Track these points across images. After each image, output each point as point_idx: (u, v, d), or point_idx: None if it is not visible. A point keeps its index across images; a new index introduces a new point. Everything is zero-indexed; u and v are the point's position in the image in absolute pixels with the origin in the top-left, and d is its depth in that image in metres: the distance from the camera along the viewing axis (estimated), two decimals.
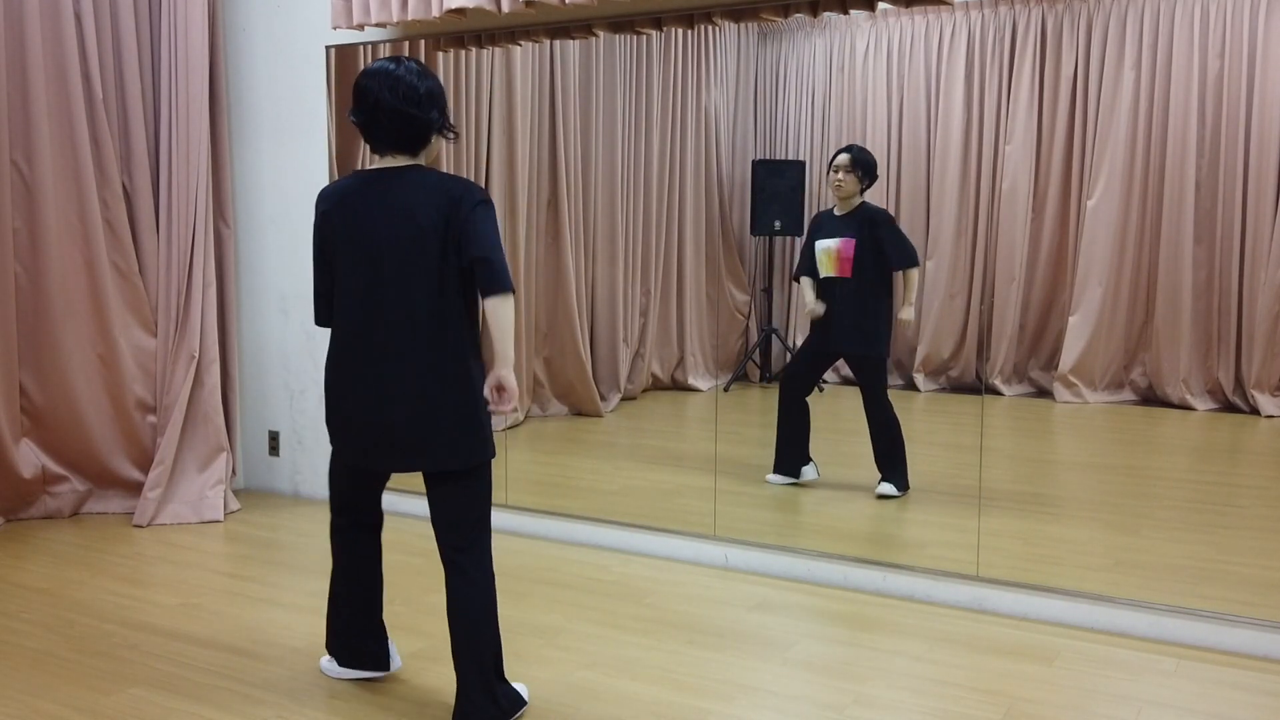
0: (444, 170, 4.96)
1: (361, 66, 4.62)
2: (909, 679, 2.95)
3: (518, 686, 2.71)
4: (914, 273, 4.34)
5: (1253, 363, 4.24)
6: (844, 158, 4.34)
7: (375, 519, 2.84)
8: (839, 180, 4.33)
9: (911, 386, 4.82)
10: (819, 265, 4.38)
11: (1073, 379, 4.55)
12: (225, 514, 4.57)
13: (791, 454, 4.54)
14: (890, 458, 4.32)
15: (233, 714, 2.72)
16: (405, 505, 4.52)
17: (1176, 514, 4.16)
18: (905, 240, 4.39)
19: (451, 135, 2.62)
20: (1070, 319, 4.53)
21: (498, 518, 4.36)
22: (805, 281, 4.46)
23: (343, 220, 2.53)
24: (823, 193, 4.81)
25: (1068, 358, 4.54)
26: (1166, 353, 4.41)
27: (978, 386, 4.56)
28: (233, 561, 4.00)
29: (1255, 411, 4.26)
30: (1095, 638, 3.25)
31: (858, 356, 4.41)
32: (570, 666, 3.01)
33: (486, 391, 2.48)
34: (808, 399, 4.52)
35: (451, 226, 2.44)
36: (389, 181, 2.50)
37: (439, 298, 2.48)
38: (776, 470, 4.55)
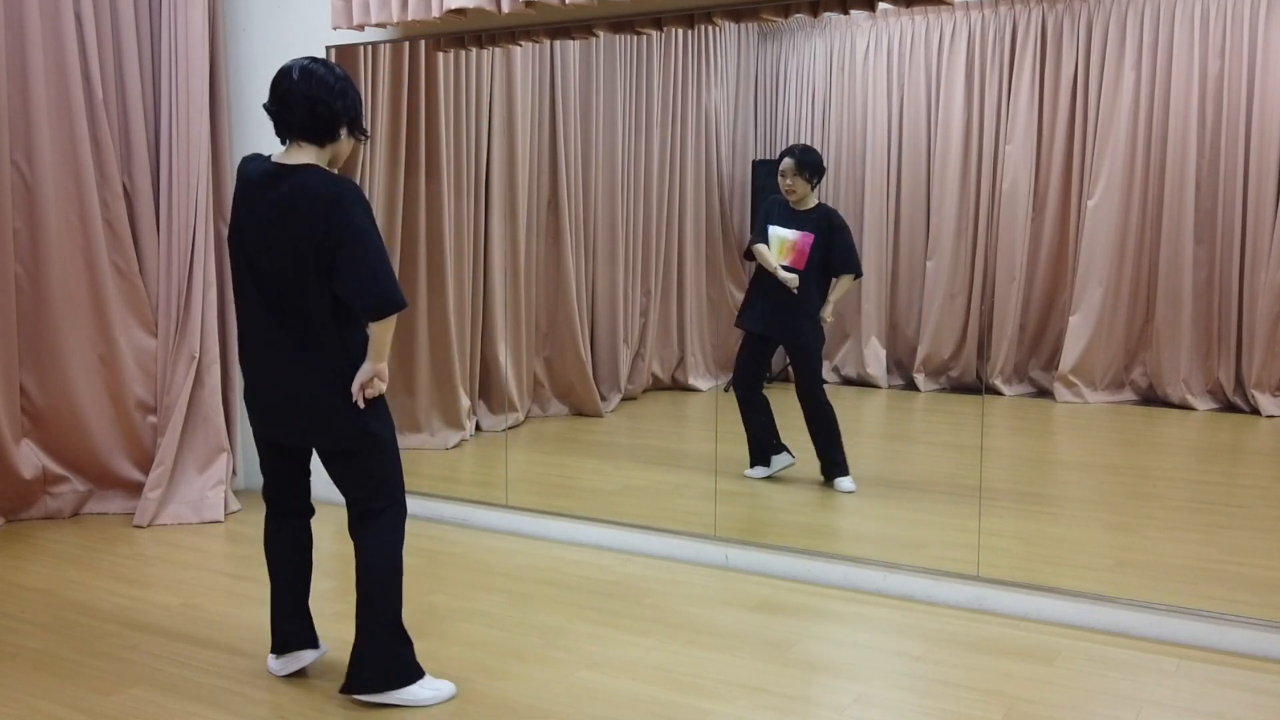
0: (445, 174, 4.96)
1: (362, 66, 4.63)
2: (909, 679, 2.94)
3: (440, 683, 2.82)
4: (848, 279, 4.48)
5: (1253, 363, 4.24)
6: (788, 163, 4.43)
7: (301, 505, 2.95)
8: (789, 185, 4.42)
9: (912, 386, 4.83)
10: (773, 252, 4.45)
11: (1073, 379, 4.55)
12: (226, 514, 4.57)
13: (761, 445, 4.60)
14: (830, 446, 4.42)
15: (233, 714, 2.72)
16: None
17: (1177, 514, 4.16)
18: (854, 248, 4.54)
19: (362, 135, 2.74)
20: (1071, 319, 4.53)
21: (498, 518, 4.36)
22: (762, 248, 4.49)
23: (241, 213, 2.66)
24: (822, 193, 4.82)
25: (1068, 357, 4.55)
26: (1167, 353, 4.41)
27: (978, 386, 4.56)
28: (233, 562, 4.00)
29: (1256, 411, 4.26)
30: (1095, 638, 3.25)
31: (798, 345, 4.53)
32: (570, 666, 3.01)
33: (357, 385, 2.64)
34: (763, 393, 4.62)
35: (323, 248, 2.56)
36: (283, 183, 2.59)
37: (317, 306, 2.61)
38: (753, 464, 4.61)
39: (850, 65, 4.78)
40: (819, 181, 4.42)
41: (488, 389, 5.47)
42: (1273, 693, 2.87)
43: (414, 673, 2.80)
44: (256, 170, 2.65)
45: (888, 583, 3.63)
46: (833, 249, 4.41)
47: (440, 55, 4.76)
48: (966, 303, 4.68)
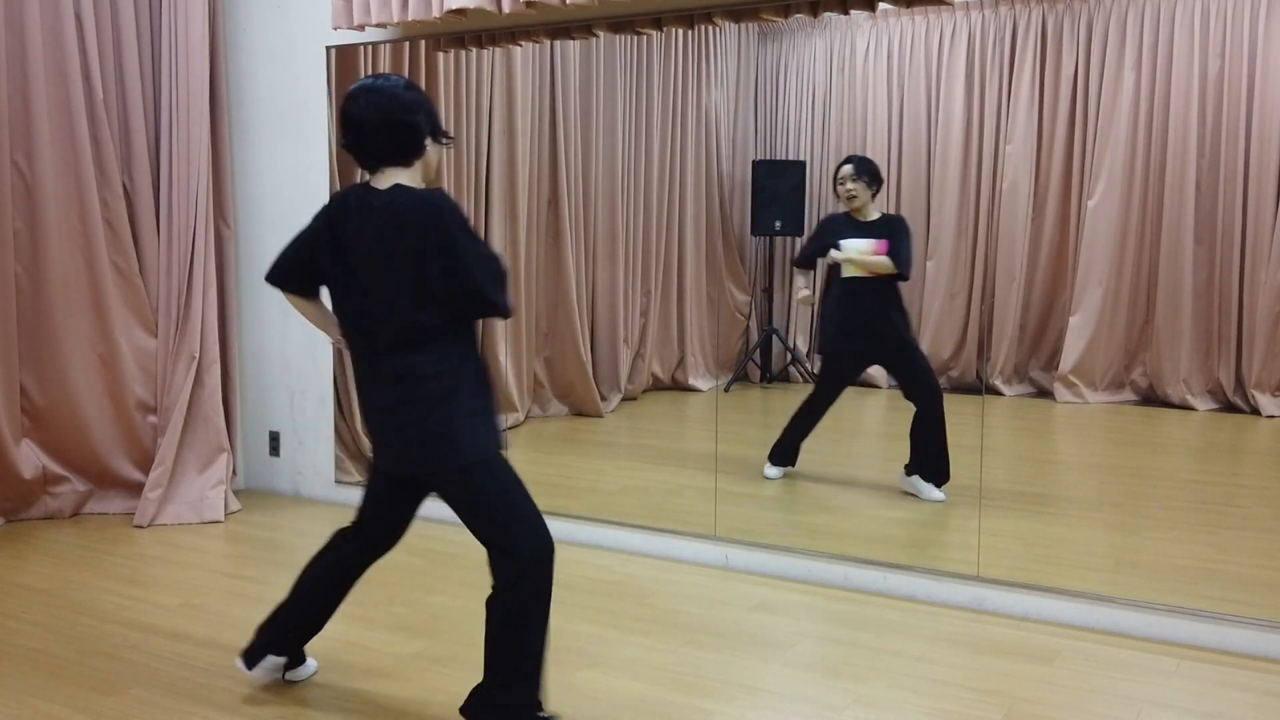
0: (445, 174, 4.95)
1: (361, 67, 4.63)
2: (909, 679, 2.94)
3: None
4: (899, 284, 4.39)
5: (1253, 363, 4.24)
6: (848, 169, 4.36)
7: (382, 537, 2.80)
8: (850, 190, 4.34)
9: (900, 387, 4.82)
10: (845, 266, 4.36)
11: (1073, 379, 4.55)
12: (226, 514, 4.57)
13: (791, 447, 4.56)
14: (938, 452, 4.28)
15: (233, 714, 2.72)
16: None
17: (1177, 514, 4.16)
18: (911, 255, 4.43)
19: (446, 141, 2.60)
20: (1071, 319, 4.52)
21: None
22: (803, 272, 4.47)
23: (332, 240, 2.54)
24: (823, 193, 4.81)
25: (1068, 358, 4.54)
26: (1167, 353, 4.41)
27: (978, 386, 4.56)
28: (233, 562, 4.00)
29: (1256, 411, 4.25)
30: (1095, 638, 3.25)
31: (905, 347, 4.39)
32: (570, 666, 3.01)
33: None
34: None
35: (430, 252, 2.42)
36: (375, 207, 2.47)
37: (425, 318, 2.48)
38: (774, 461, 4.57)
39: (850, 65, 4.78)
40: (878, 190, 4.37)
41: None
42: (1273, 693, 2.87)
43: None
44: (354, 196, 2.53)
45: (888, 583, 3.63)
46: (894, 249, 4.33)
47: (440, 55, 4.76)
48: (966, 303, 4.68)
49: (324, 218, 2.57)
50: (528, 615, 2.49)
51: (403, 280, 2.44)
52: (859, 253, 4.33)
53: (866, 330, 4.44)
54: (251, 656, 2.83)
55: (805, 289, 4.51)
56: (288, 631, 2.84)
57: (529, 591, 2.49)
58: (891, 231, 4.35)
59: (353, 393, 4.80)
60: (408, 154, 2.50)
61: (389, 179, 2.50)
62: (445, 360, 2.50)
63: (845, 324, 4.46)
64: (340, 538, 2.83)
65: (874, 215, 4.37)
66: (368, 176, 2.55)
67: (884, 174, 4.54)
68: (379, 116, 2.44)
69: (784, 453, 4.58)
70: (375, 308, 2.49)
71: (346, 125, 2.49)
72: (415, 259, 2.42)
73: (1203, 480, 4.39)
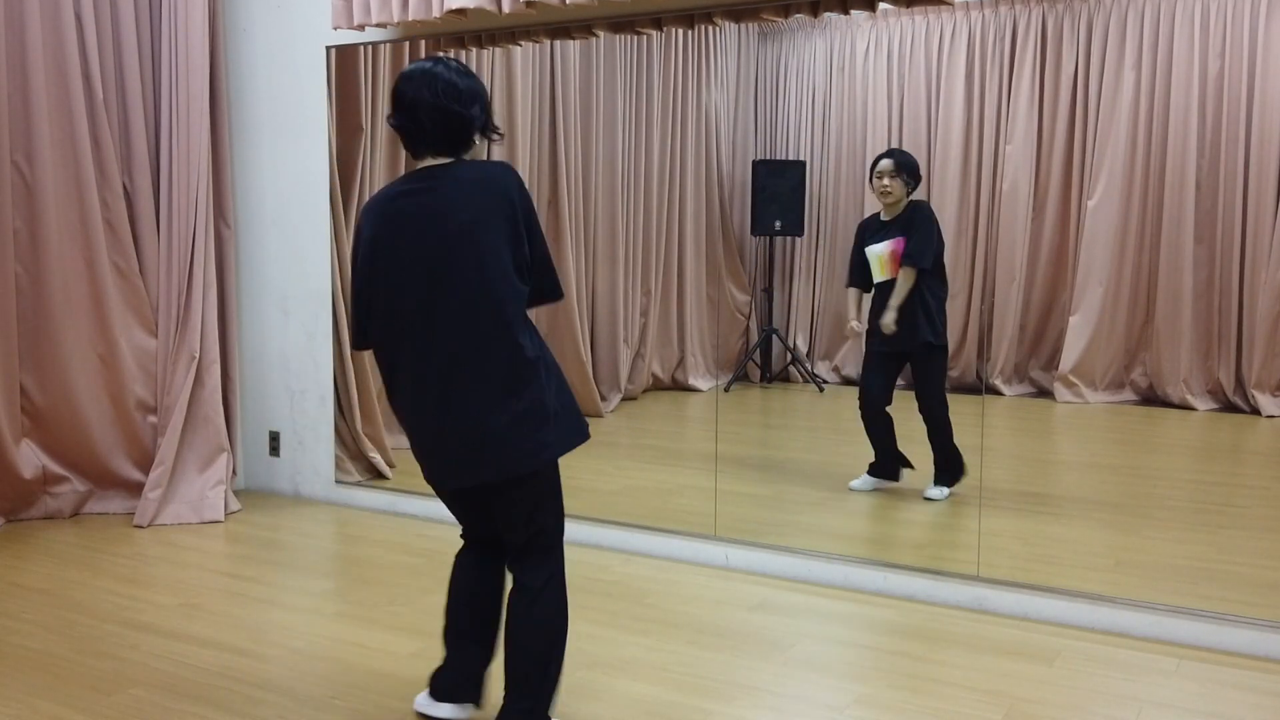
0: None
1: (361, 67, 4.63)
2: (909, 679, 2.94)
3: None
4: (912, 272, 4.20)
5: (1253, 363, 4.24)
6: (886, 163, 4.24)
7: (493, 539, 2.61)
8: (885, 186, 4.24)
9: (912, 387, 4.82)
10: (873, 272, 4.30)
11: (1073, 379, 4.55)
12: (226, 514, 4.57)
13: (887, 458, 4.44)
14: (946, 458, 4.24)
15: (233, 714, 2.72)
16: (405, 505, 4.52)
17: (1177, 514, 4.16)
18: (929, 242, 4.25)
19: (496, 136, 2.50)
20: (1071, 319, 4.53)
21: None
22: (851, 293, 4.38)
23: (388, 238, 2.36)
24: (823, 193, 4.82)
25: (1068, 358, 4.54)
26: (1167, 353, 4.41)
27: (978, 386, 4.56)
28: (233, 562, 4.00)
29: (1256, 411, 4.25)
30: (1095, 638, 3.25)
31: (924, 349, 4.25)
32: (570, 666, 3.01)
33: None
34: (888, 408, 4.40)
35: (505, 219, 2.32)
36: (439, 179, 2.34)
37: (503, 296, 2.32)
38: (872, 473, 4.46)
39: (850, 65, 4.78)
40: (915, 186, 4.24)
41: None
42: (1273, 693, 2.87)
43: None
44: (385, 194, 2.39)
45: (888, 583, 3.63)
46: (909, 242, 4.23)
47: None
48: (966, 303, 4.68)
49: (366, 241, 2.39)
50: (564, 612, 2.47)
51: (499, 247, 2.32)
52: (877, 257, 4.28)
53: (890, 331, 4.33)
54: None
55: (854, 319, 4.39)
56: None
57: (562, 586, 2.48)
58: (911, 224, 4.23)
59: (354, 393, 4.80)
60: (456, 146, 2.40)
61: (437, 161, 2.39)
62: (537, 346, 2.38)
63: (874, 327, 4.36)
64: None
65: (901, 208, 4.25)
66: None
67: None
68: (433, 103, 2.33)
69: (883, 465, 4.46)
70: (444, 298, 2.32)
71: (398, 106, 2.38)
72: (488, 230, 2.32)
73: (1203, 480, 4.39)
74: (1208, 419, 4.36)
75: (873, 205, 4.46)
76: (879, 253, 4.26)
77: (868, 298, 4.38)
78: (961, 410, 4.38)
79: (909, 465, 4.40)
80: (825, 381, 4.79)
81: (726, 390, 5.17)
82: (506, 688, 2.46)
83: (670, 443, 5.39)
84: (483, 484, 2.37)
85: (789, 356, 5.07)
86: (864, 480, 4.46)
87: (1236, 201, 4.22)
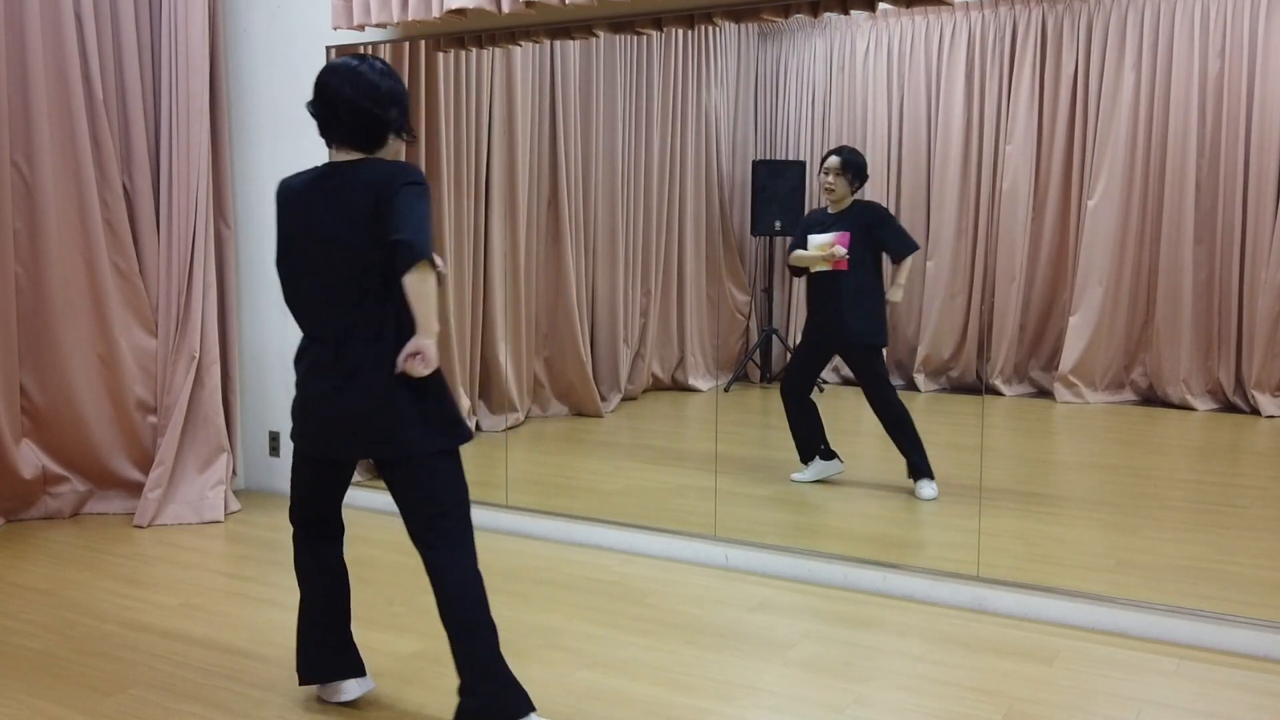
0: (445, 174, 4.96)
1: None
2: (909, 679, 2.94)
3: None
4: (909, 259, 4.32)
5: (1253, 363, 4.24)
6: (834, 160, 4.33)
7: (336, 529, 2.85)
8: (829, 184, 4.34)
9: (912, 386, 4.83)
10: (812, 261, 4.37)
11: (1073, 379, 4.55)
12: (226, 514, 4.57)
13: (811, 451, 4.52)
14: (914, 450, 4.28)
15: (233, 714, 2.72)
16: None
17: (1177, 514, 4.16)
18: (903, 230, 4.40)
19: (408, 137, 2.61)
20: (1071, 319, 4.53)
21: (498, 518, 4.36)
22: (800, 253, 4.44)
23: (293, 216, 2.54)
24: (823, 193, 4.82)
25: (1068, 358, 4.55)
26: (1167, 353, 4.41)
27: (978, 386, 4.56)
28: (233, 562, 4.00)
29: (1256, 412, 4.26)
30: (1095, 638, 3.25)
31: (858, 348, 4.37)
32: (570, 666, 3.01)
33: (401, 356, 2.41)
34: (811, 398, 4.49)
35: (379, 213, 2.42)
36: (335, 177, 2.49)
37: (378, 288, 2.46)
38: (804, 464, 4.54)
39: (850, 65, 4.78)
40: (860, 186, 4.34)
41: (488, 389, 5.47)
42: (1273, 693, 2.87)
43: (525, 704, 2.53)
44: (299, 179, 2.55)
45: (888, 583, 3.63)
46: (883, 238, 4.32)
47: (440, 55, 4.77)
48: (966, 303, 4.68)
49: (277, 209, 2.58)
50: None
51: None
52: (816, 246, 4.33)
53: (823, 325, 4.43)
54: None
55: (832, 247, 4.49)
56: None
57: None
58: (862, 221, 4.32)
59: None
60: (371, 144, 2.52)
61: (349, 155, 2.52)
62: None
63: (810, 317, 4.49)
64: None
65: (846, 204, 4.35)
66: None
67: (869, 171, 4.50)
68: (352, 101, 2.45)
69: (808, 451, 4.55)
70: (332, 283, 2.50)
71: (319, 96, 2.50)
72: (366, 227, 2.43)
73: (1203, 480, 4.39)
74: (1208, 419, 4.36)
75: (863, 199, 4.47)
76: (821, 243, 4.30)
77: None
78: (962, 410, 4.38)
79: (835, 456, 4.50)
80: (825, 382, 4.79)
81: (726, 390, 5.18)
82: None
83: (670, 443, 5.39)
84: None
85: (789, 356, 5.07)
86: (804, 473, 4.52)
87: (1236, 201, 4.23)
